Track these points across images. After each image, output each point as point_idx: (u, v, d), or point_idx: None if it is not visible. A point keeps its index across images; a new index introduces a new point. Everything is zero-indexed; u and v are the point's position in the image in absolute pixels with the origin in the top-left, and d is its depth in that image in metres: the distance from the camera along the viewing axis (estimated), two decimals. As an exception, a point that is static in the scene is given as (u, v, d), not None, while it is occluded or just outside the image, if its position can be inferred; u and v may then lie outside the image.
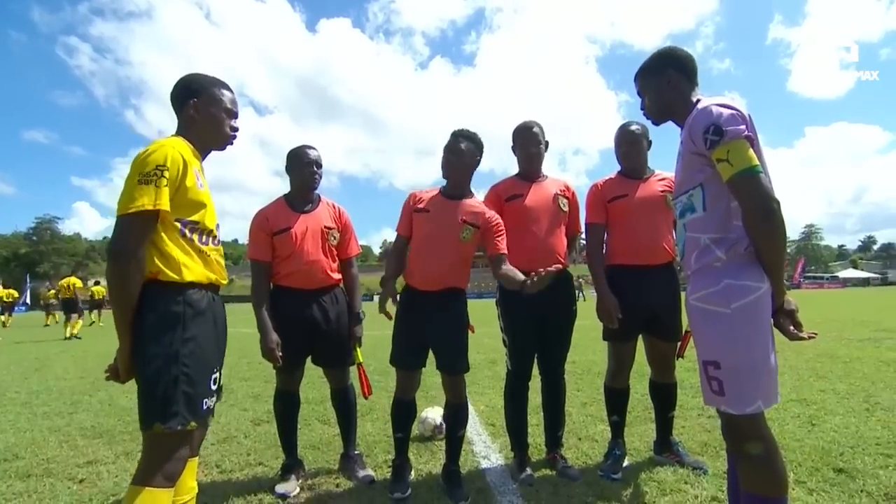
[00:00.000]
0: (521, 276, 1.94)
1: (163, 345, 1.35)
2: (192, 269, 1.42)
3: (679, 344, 2.42)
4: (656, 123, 1.66)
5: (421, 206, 2.25)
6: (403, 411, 2.28)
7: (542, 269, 1.75)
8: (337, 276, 2.44)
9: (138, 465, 1.37)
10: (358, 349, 2.47)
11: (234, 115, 1.57)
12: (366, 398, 2.48)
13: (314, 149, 2.42)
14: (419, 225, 2.24)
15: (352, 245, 2.51)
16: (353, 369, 2.49)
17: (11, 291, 14.57)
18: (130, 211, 1.30)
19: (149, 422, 1.33)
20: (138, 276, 1.34)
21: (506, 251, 2.18)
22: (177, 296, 1.38)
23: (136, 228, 1.32)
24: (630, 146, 2.41)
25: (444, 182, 2.30)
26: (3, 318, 12.96)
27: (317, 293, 2.35)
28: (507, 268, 2.10)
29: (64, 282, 12.54)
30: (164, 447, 1.35)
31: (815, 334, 1.40)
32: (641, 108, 1.67)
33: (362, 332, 2.49)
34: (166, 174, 1.33)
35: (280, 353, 2.22)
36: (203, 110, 1.50)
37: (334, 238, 2.41)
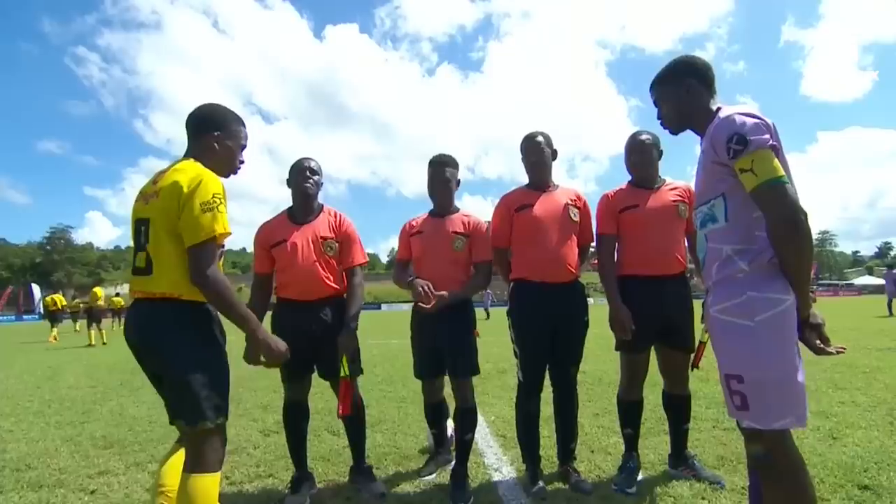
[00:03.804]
0: (456, 293, 2.34)
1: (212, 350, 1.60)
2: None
3: (693, 355, 2.38)
4: (674, 133, 1.64)
5: (415, 230, 2.53)
6: (430, 412, 2.68)
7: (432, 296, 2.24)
8: (337, 286, 2.39)
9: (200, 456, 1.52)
10: (344, 361, 2.29)
11: (244, 149, 1.77)
12: (339, 416, 2.31)
13: (310, 158, 2.42)
14: (416, 246, 2.51)
15: (353, 254, 2.42)
16: (363, 381, 2.46)
17: (58, 297, 14.74)
18: (203, 239, 1.47)
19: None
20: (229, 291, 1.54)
21: (485, 258, 2.47)
22: (204, 312, 1.59)
23: (211, 253, 1.49)
24: (640, 156, 2.39)
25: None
26: (91, 331, 13.10)
27: (316, 304, 2.33)
28: (470, 279, 2.46)
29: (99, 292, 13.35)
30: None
31: (844, 349, 1.35)
32: (658, 118, 1.65)
33: (354, 344, 2.32)
34: (224, 200, 1.52)
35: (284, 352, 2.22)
36: (223, 143, 1.67)
37: (331, 248, 2.36)
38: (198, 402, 1.49)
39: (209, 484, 1.50)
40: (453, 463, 2.41)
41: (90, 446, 3.29)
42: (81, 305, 13.81)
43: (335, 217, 2.44)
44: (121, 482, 2.62)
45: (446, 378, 2.53)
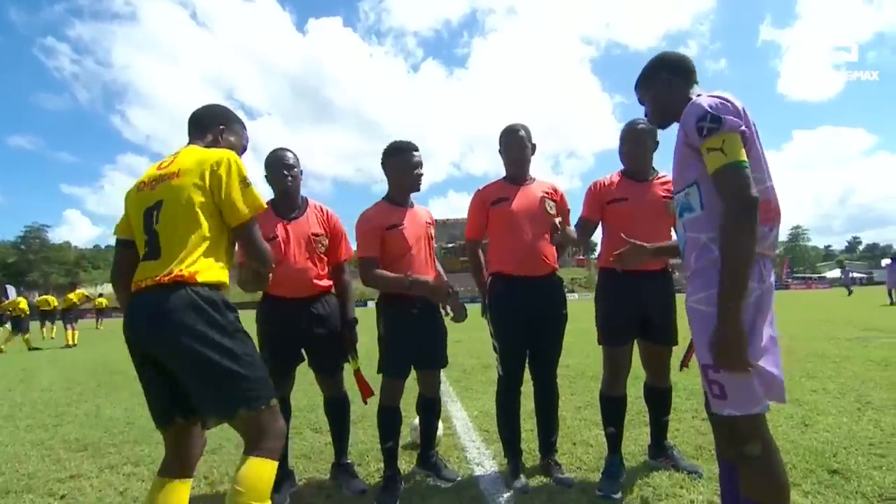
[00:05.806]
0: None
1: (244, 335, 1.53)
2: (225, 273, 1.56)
3: (685, 353, 2.38)
4: (660, 128, 1.69)
5: (393, 224, 2.27)
6: (390, 419, 2.30)
7: None
8: (327, 282, 2.40)
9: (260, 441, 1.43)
10: (355, 355, 2.43)
11: (244, 151, 1.80)
12: (365, 403, 2.39)
13: (287, 150, 2.37)
14: (392, 240, 2.28)
15: (342, 249, 2.46)
16: (348, 376, 2.44)
17: (51, 298, 14.15)
18: (253, 214, 1.52)
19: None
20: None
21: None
22: (219, 295, 1.50)
23: (258, 227, 1.57)
24: (633, 146, 2.33)
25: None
26: (68, 331, 12.61)
27: (306, 301, 2.31)
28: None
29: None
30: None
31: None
32: (645, 116, 1.70)
33: (357, 338, 2.44)
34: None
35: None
36: (225, 139, 1.73)
37: (322, 245, 2.36)
38: (239, 385, 1.39)
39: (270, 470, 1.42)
40: (420, 450, 2.57)
41: (62, 450, 3.19)
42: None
43: (322, 212, 2.42)
44: (93, 485, 2.54)
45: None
